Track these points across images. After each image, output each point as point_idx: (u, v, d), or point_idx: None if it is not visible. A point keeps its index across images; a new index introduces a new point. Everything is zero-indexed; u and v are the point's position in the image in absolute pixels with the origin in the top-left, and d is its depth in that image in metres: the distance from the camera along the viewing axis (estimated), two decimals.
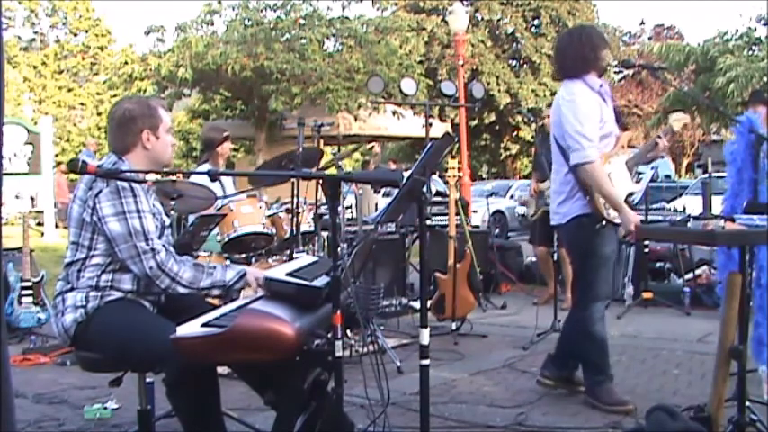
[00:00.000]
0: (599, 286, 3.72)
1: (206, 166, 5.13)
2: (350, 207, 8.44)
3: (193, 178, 4.60)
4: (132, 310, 2.63)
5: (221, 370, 2.90)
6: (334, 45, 16.58)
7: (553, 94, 25.24)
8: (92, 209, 2.59)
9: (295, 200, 4.56)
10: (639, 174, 4.14)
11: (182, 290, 2.58)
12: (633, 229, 3.51)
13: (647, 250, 6.72)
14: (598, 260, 3.68)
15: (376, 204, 10.24)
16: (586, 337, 3.73)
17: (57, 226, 13.30)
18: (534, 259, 7.95)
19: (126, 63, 16.31)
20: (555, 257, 5.83)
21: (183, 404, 2.51)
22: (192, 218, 5.27)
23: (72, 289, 2.64)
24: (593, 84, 3.66)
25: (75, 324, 2.60)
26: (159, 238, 2.72)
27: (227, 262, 4.65)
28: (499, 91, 25.47)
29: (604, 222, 3.63)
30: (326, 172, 4.33)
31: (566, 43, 3.83)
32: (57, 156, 23.75)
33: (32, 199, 13.72)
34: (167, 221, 2.91)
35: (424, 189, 2.83)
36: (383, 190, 8.83)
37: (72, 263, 2.66)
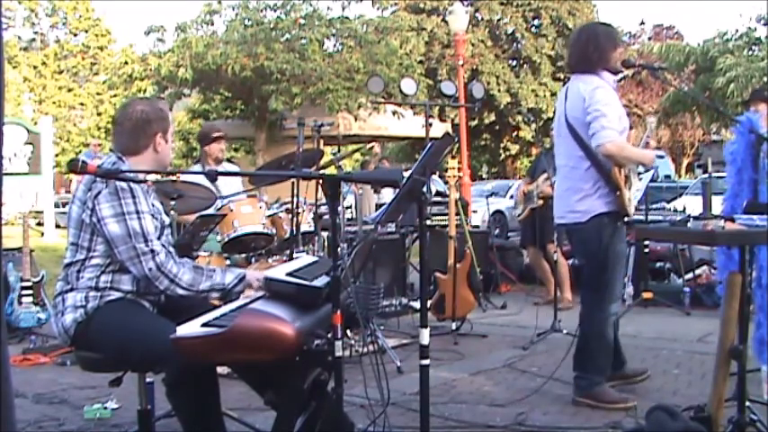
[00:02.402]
0: (616, 285, 3.73)
1: (198, 167, 5.14)
2: (350, 207, 8.44)
3: (194, 178, 4.59)
4: (132, 310, 2.63)
5: (221, 370, 2.90)
6: (334, 45, 16.56)
7: (553, 94, 25.31)
8: (91, 210, 2.59)
9: (295, 200, 4.56)
10: (639, 174, 4.15)
11: (181, 291, 2.58)
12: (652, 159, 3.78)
13: (647, 250, 6.72)
14: (616, 258, 3.68)
15: (376, 204, 10.24)
16: (598, 339, 3.73)
17: (57, 226, 13.30)
18: None
19: (126, 63, 16.28)
20: (555, 257, 5.84)
21: (183, 404, 2.52)
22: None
23: (72, 289, 2.64)
24: (609, 80, 3.69)
25: (75, 324, 2.60)
26: (159, 237, 2.72)
27: (228, 262, 4.66)
28: (499, 91, 25.44)
29: (625, 219, 3.65)
30: (326, 172, 4.33)
31: (573, 41, 3.88)
32: (57, 156, 23.75)
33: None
34: (167, 221, 2.91)
35: (424, 189, 2.82)
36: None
37: (71, 264, 2.66)
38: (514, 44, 27.58)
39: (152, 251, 2.56)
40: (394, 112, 16.19)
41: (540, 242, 6.72)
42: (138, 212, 2.59)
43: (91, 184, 2.62)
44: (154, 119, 2.76)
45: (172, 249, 2.74)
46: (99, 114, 29.70)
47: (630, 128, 3.87)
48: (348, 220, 6.93)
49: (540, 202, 6.52)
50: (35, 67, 29.96)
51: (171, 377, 2.45)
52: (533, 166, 7.48)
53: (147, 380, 2.82)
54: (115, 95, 25.92)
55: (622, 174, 3.62)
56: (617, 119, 3.61)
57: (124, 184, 2.59)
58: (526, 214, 6.82)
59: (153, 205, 2.78)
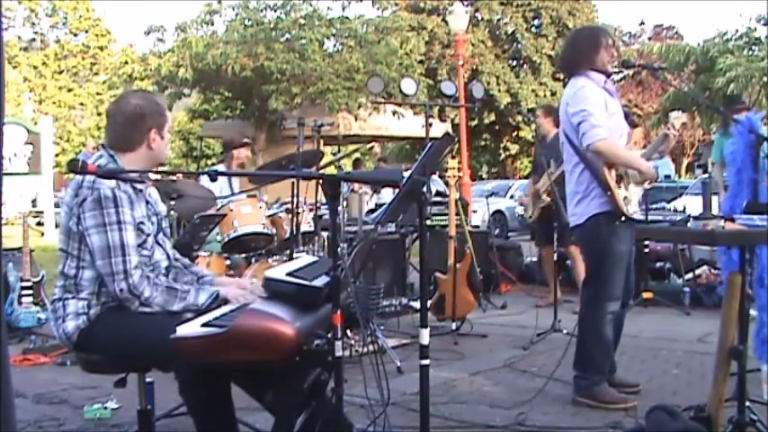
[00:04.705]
0: (613, 285, 3.71)
1: (220, 167, 5.20)
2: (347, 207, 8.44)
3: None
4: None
5: None
6: (334, 45, 16.56)
7: (553, 94, 25.33)
8: (77, 218, 2.54)
9: (295, 200, 4.56)
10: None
11: None
12: (654, 175, 3.74)
13: (647, 250, 6.71)
14: (613, 259, 3.67)
15: (376, 204, 10.23)
16: (595, 338, 3.72)
17: (57, 226, 13.30)
18: (534, 259, 7.95)
19: (126, 63, 16.30)
20: (555, 257, 5.83)
21: (194, 400, 2.48)
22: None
23: (73, 297, 2.60)
24: (598, 80, 3.70)
25: (78, 331, 2.57)
26: (157, 234, 2.69)
27: (228, 262, 4.66)
28: (499, 91, 25.45)
29: (623, 219, 3.63)
30: (326, 172, 4.33)
31: (564, 45, 4.00)
32: (57, 156, 23.76)
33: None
34: (164, 211, 2.84)
35: (424, 189, 2.82)
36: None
37: (68, 275, 2.61)
38: (514, 44, 27.59)
39: (125, 271, 2.49)
40: (394, 112, 16.18)
41: (558, 241, 6.33)
42: (119, 222, 2.51)
43: (77, 189, 2.54)
44: (149, 113, 2.65)
45: (160, 258, 2.69)
46: (99, 114, 29.70)
47: (636, 126, 3.86)
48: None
49: (548, 199, 6.25)
50: (35, 67, 29.99)
51: (183, 374, 2.44)
52: (534, 163, 7.37)
53: (147, 380, 2.81)
54: (115, 95, 25.89)
55: (613, 173, 3.62)
56: (607, 117, 3.61)
57: (108, 193, 2.50)
58: (538, 215, 6.58)
59: (147, 203, 2.71)
